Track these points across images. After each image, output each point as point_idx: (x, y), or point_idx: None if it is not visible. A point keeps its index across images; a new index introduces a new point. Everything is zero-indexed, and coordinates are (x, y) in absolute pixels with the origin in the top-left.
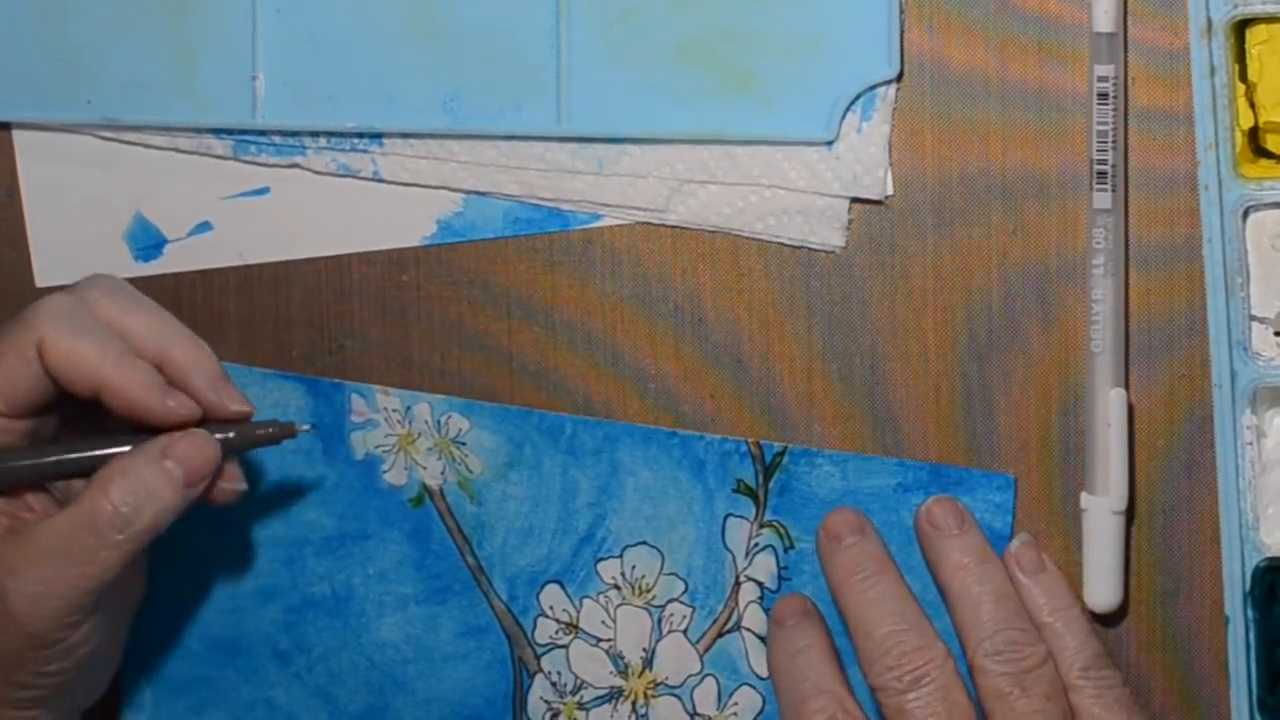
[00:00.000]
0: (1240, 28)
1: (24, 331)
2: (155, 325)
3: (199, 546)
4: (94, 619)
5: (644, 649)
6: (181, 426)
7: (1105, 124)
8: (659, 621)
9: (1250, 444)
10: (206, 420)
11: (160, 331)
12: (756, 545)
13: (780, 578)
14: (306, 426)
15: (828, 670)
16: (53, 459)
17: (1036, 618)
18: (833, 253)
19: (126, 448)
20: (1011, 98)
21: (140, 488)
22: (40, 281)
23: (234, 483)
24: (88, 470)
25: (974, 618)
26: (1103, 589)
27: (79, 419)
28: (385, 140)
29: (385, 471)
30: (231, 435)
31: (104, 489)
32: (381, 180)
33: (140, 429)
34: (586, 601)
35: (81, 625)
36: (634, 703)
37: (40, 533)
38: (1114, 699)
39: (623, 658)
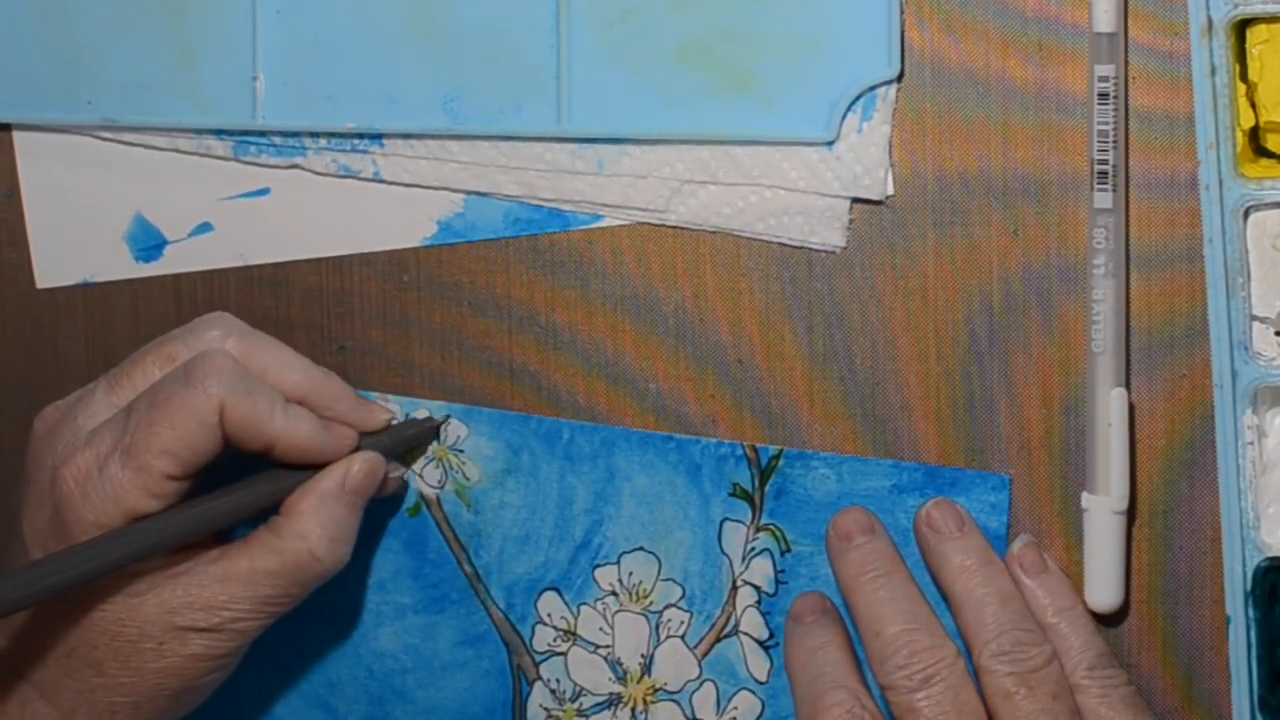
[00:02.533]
0: (1241, 27)
1: (201, 397)
2: (287, 364)
3: None
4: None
5: (642, 655)
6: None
7: (1106, 124)
8: (657, 627)
9: (1251, 444)
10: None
11: (292, 367)
12: (753, 549)
13: (777, 581)
14: (442, 419)
15: (845, 666)
16: (238, 505)
17: (1040, 618)
18: (833, 253)
19: (298, 475)
20: (1012, 98)
21: (336, 530)
22: (40, 282)
23: (396, 473)
24: (266, 507)
25: (979, 619)
26: (1104, 589)
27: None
28: (385, 141)
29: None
30: (386, 442)
31: (309, 543)
32: (382, 181)
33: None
34: (584, 608)
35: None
36: (633, 709)
37: (242, 577)
38: (1119, 698)
39: (621, 664)
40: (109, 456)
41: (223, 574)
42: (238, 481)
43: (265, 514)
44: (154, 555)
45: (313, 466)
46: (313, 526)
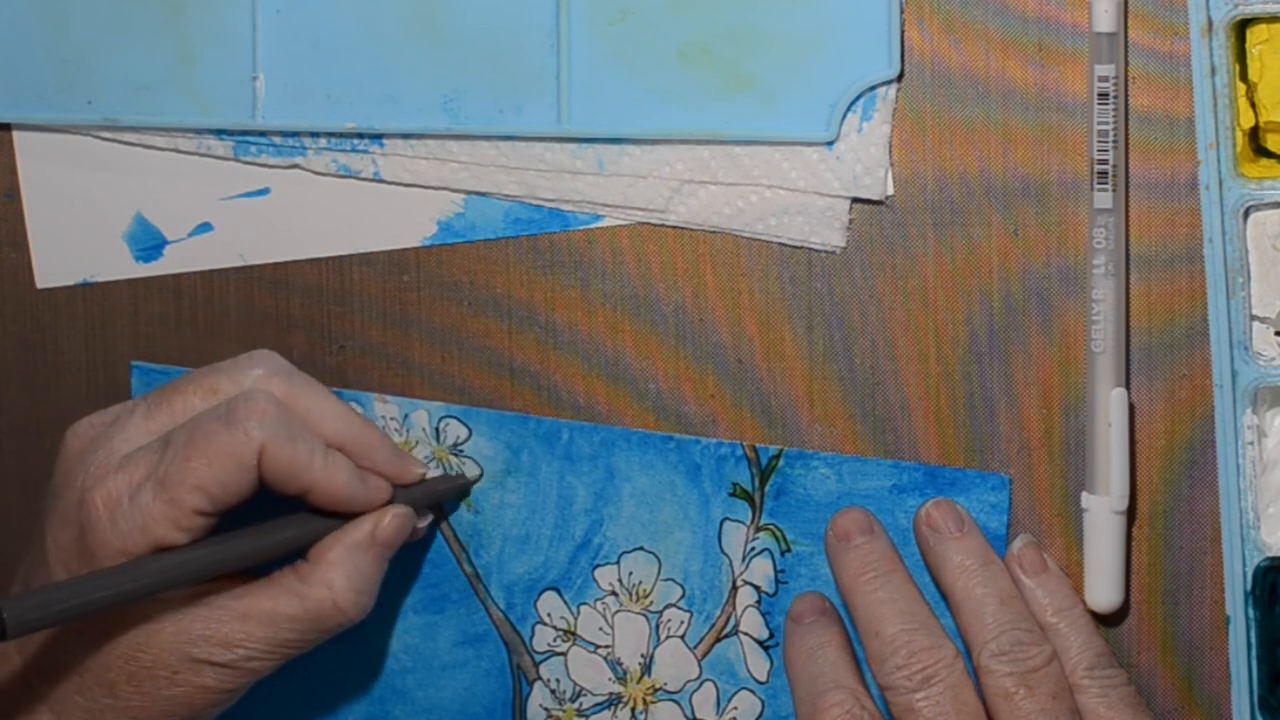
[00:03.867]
0: (1240, 27)
1: (242, 438)
2: (328, 408)
3: None
4: None
5: (642, 655)
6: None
7: (1106, 124)
8: (657, 627)
9: (1251, 443)
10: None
11: (334, 413)
12: (753, 549)
13: (777, 581)
14: (478, 474)
15: (845, 666)
16: (266, 546)
17: (1040, 618)
18: (833, 253)
19: (328, 523)
20: (1012, 98)
21: (361, 582)
22: (40, 282)
23: (423, 523)
24: (293, 549)
25: (978, 619)
26: (1104, 589)
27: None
28: (385, 141)
29: None
30: (418, 495)
31: (334, 594)
32: (382, 181)
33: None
34: (584, 608)
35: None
36: (633, 709)
37: (263, 618)
38: (1119, 698)
39: (621, 664)
40: (141, 485)
41: (244, 612)
42: (267, 521)
43: (291, 555)
44: (176, 588)
45: (344, 514)
46: (339, 577)
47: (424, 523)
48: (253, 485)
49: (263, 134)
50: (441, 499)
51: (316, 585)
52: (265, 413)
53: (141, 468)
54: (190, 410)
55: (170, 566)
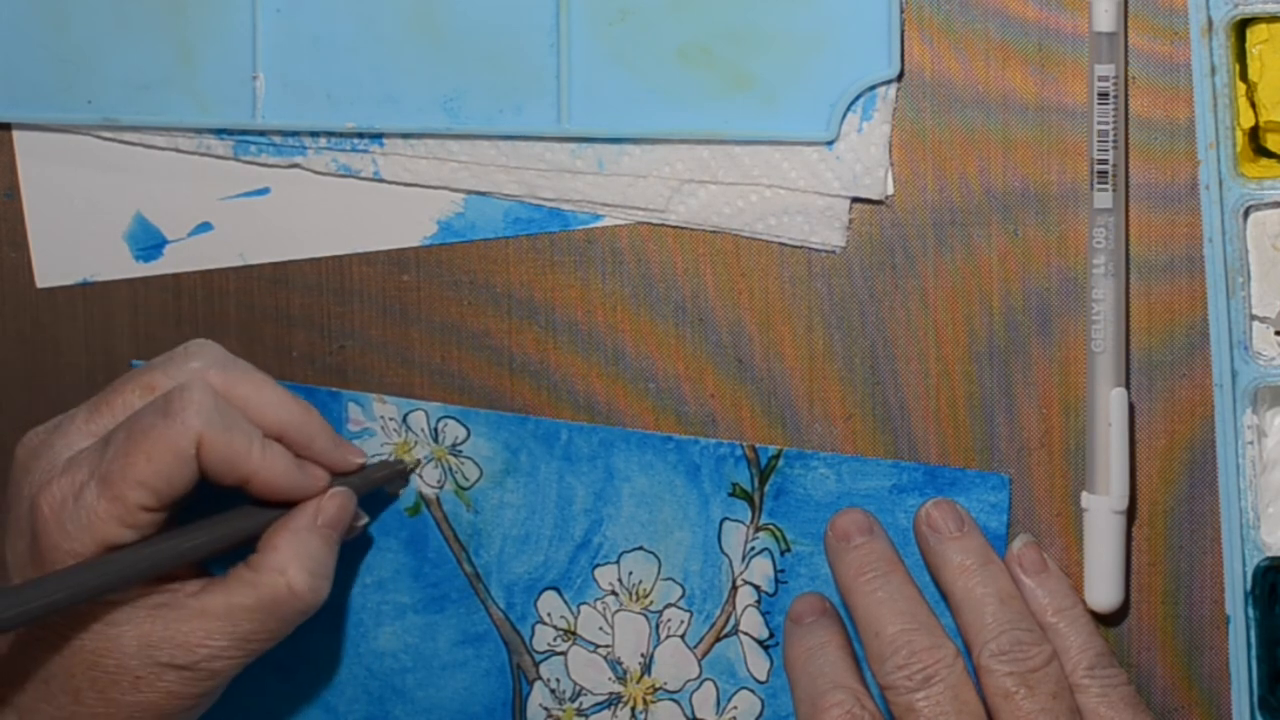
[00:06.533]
0: (1240, 27)
1: (179, 429)
2: (267, 397)
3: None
4: None
5: (642, 654)
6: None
7: (1106, 124)
8: (657, 627)
9: (1251, 443)
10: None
11: (273, 402)
12: (753, 549)
13: (777, 581)
14: (415, 461)
15: (845, 666)
16: (212, 539)
17: (1040, 618)
18: (833, 253)
19: (272, 513)
20: (1012, 99)
21: (313, 564)
22: (40, 282)
23: (360, 521)
24: (241, 541)
25: (979, 619)
26: (1104, 589)
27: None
28: (385, 140)
29: None
30: (357, 483)
31: (287, 576)
32: (382, 180)
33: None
34: (584, 608)
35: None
36: (633, 708)
37: (219, 613)
38: (1119, 697)
39: (621, 664)
40: (85, 485)
41: (200, 609)
42: (213, 516)
43: (242, 550)
44: (127, 586)
45: (287, 504)
46: (289, 560)
47: (361, 521)
48: (193, 477)
49: (263, 134)
50: (381, 485)
51: (267, 572)
52: (201, 403)
53: (84, 469)
54: (130, 409)
55: (119, 565)
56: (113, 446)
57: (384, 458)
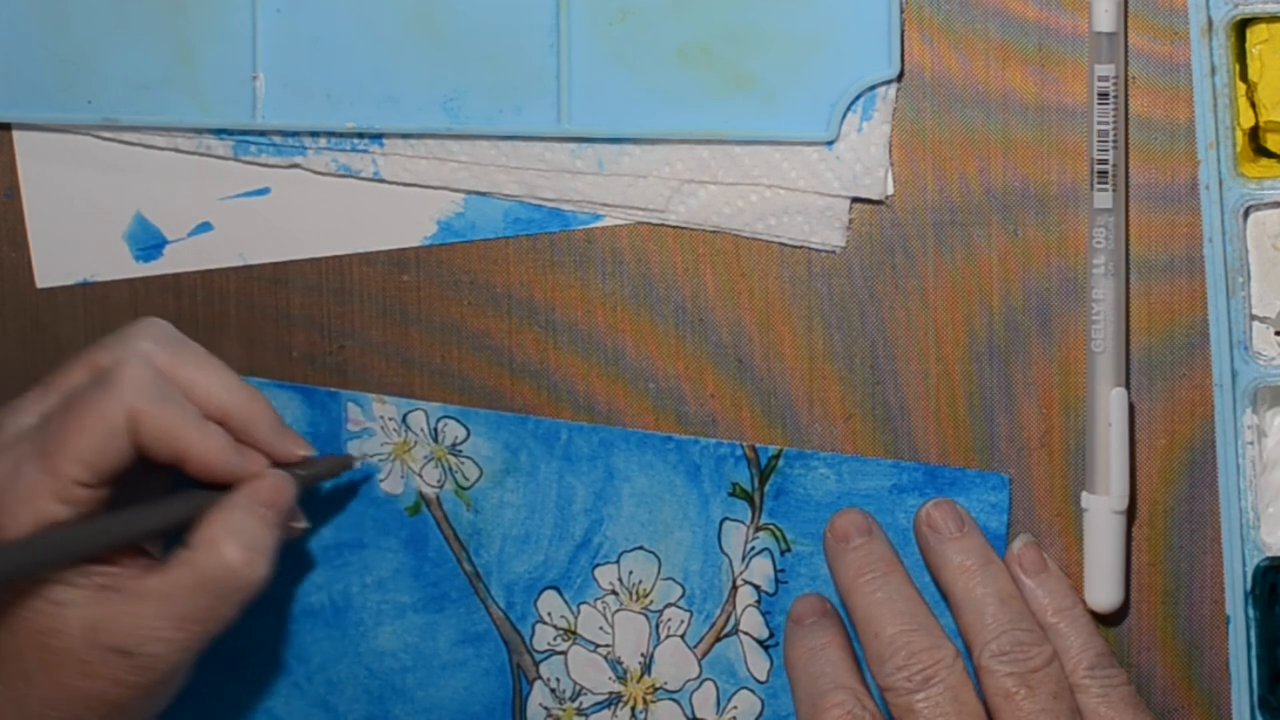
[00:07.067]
0: (1240, 27)
1: (113, 402)
2: (212, 379)
3: None
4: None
5: (642, 654)
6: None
7: (1106, 123)
8: (657, 626)
9: (1251, 443)
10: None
11: (218, 385)
12: (753, 549)
13: (777, 581)
14: (359, 458)
15: (846, 667)
16: (151, 520)
17: (1040, 618)
18: (833, 253)
19: (212, 496)
20: (1012, 99)
21: (248, 539)
22: (40, 282)
23: (299, 521)
24: (179, 524)
25: (979, 619)
26: (1104, 589)
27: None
28: (385, 140)
29: (382, 480)
30: (302, 474)
31: (218, 548)
32: (382, 180)
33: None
34: (584, 607)
35: (186, 671)
36: (633, 708)
37: (158, 593)
38: (1120, 698)
39: (621, 663)
40: (24, 460)
41: (140, 591)
42: (156, 500)
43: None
44: (65, 564)
45: (229, 488)
46: (221, 534)
47: (300, 523)
48: (129, 451)
49: (263, 134)
50: (326, 478)
51: (202, 548)
52: (136, 377)
53: (26, 445)
54: (76, 387)
55: (53, 541)
56: (52, 421)
57: (381, 456)
